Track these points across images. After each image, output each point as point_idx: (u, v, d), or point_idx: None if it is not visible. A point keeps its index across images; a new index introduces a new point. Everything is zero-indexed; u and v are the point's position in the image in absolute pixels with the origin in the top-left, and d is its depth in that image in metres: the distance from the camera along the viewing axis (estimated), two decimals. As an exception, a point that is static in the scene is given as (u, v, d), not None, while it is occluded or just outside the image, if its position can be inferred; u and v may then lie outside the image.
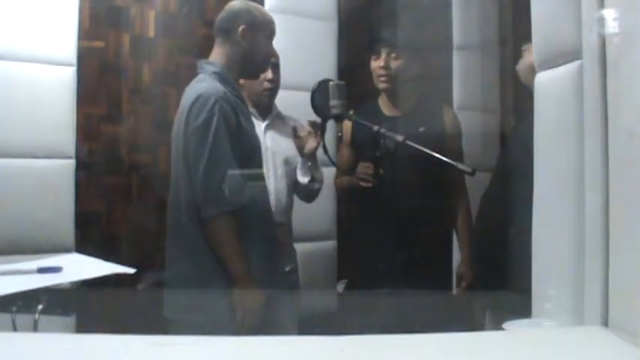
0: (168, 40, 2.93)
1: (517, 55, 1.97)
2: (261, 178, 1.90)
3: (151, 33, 2.92)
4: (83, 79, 2.40)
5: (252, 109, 2.15)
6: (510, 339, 1.03)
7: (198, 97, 1.69)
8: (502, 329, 1.15)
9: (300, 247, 2.29)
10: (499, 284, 1.80)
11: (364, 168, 1.98)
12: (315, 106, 1.94)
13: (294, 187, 2.16)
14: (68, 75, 2.27)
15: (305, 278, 2.27)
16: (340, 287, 2.66)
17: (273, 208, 2.08)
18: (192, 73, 1.86)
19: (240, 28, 1.80)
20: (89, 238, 2.57)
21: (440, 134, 2.13)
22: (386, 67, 2.13)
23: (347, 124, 2.22)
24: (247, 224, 1.72)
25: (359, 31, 2.99)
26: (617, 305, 0.95)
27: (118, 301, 1.85)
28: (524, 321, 1.20)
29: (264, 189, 1.89)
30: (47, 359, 0.84)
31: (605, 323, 0.97)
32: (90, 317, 1.83)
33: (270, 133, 2.17)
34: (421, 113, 2.18)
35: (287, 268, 2.14)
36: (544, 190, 1.22)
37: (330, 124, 2.07)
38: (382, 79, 2.15)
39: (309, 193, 2.16)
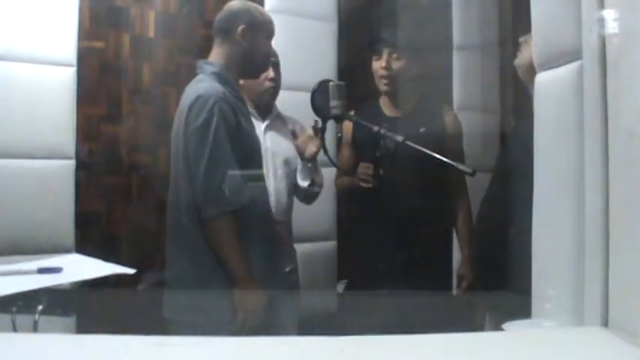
0: (168, 40, 2.93)
1: (515, 48, 1.96)
2: (261, 178, 1.90)
3: (151, 33, 2.92)
4: (83, 79, 2.40)
5: (252, 110, 2.15)
6: (510, 339, 1.03)
7: (197, 98, 1.69)
8: (502, 330, 1.15)
9: (300, 248, 2.28)
10: (499, 285, 1.80)
11: (364, 168, 1.98)
12: (315, 106, 1.94)
13: (294, 188, 2.16)
14: (68, 75, 2.27)
15: (305, 278, 2.27)
16: (340, 287, 2.66)
17: (273, 209, 2.08)
18: (192, 73, 1.86)
19: (240, 28, 1.80)
20: (89, 238, 2.57)
21: (441, 135, 2.13)
22: (387, 67, 2.13)
23: (347, 125, 2.22)
24: (247, 224, 1.72)
25: (359, 32, 2.99)
26: (617, 305, 0.95)
27: (118, 301, 1.85)
28: (524, 321, 1.20)
29: (264, 189, 1.90)
30: (47, 359, 0.84)
31: (605, 323, 0.97)
32: (90, 317, 1.83)
33: (271, 134, 2.17)
34: (422, 114, 2.18)
35: (287, 269, 2.14)
36: (544, 190, 1.22)
37: (330, 125, 2.07)
38: (383, 79, 2.15)
39: (308, 196, 2.17)
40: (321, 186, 2.15)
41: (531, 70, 1.87)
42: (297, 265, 2.21)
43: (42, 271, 1.41)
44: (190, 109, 1.70)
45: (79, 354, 0.85)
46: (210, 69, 1.79)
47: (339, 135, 2.20)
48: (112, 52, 2.84)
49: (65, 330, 1.82)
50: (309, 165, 2.08)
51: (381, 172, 1.91)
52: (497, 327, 1.18)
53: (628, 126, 0.94)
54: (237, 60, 1.82)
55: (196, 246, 1.71)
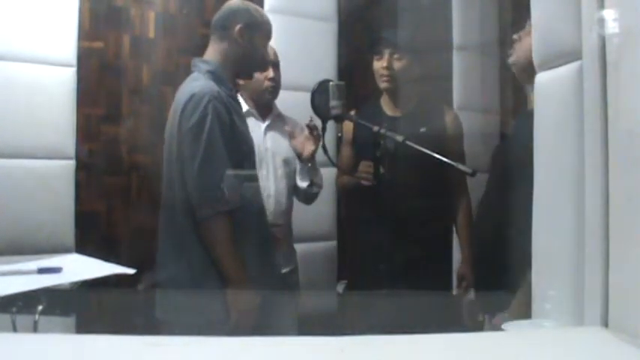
0: (168, 40, 2.93)
1: (509, 46, 1.96)
2: (255, 179, 1.88)
3: (151, 33, 2.92)
4: (83, 79, 2.40)
5: (252, 110, 2.15)
6: (510, 339, 1.03)
7: (192, 96, 1.67)
8: (502, 329, 1.15)
9: (300, 248, 2.28)
10: (498, 284, 1.80)
11: (365, 167, 1.98)
12: (315, 106, 1.94)
13: (293, 188, 2.16)
14: (68, 75, 2.27)
15: (305, 279, 2.27)
16: (340, 288, 2.66)
17: (272, 209, 2.08)
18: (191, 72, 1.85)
19: (238, 27, 1.78)
20: (89, 238, 2.57)
21: (441, 135, 2.13)
22: (389, 67, 2.13)
23: (348, 125, 2.22)
24: (242, 225, 1.70)
25: (359, 32, 3.00)
26: (617, 305, 0.95)
27: (118, 301, 1.85)
28: (524, 321, 1.20)
29: (258, 190, 1.87)
30: (47, 359, 0.84)
31: (605, 323, 0.97)
32: (90, 317, 1.84)
33: (271, 134, 2.17)
34: (423, 114, 2.18)
35: (287, 269, 2.14)
36: (544, 190, 1.21)
37: (331, 125, 2.07)
38: (385, 79, 2.15)
39: (308, 196, 2.16)
40: (320, 186, 2.15)
41: (526, 69, 1.87)
42: (297, 265, 2.21)
43: (42, 271, 1.41)
44: (184, 107, 1.68)
45: (79, 354, 0.85)
46: (205, 67, 1.77)
47: (339, 135, 2.20)
48: (111, 52, 2.84)
49: (65, 330, 1.82)
50: (308, 165, 2.08)
51: (382, 171, 1.91)
52: (497, 327, 1.18)
53: (628, 126, 0.94)
54: (233, 59, 1.80)
55: (190, 246, 1.69)
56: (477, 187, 2.15)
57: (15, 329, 1.31)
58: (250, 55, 1.83)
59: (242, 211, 1.70)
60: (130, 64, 2.87)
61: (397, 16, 2.60)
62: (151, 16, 2.92)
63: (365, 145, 2.01)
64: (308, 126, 2.02)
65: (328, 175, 2.35)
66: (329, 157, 2.06)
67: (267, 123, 2.17)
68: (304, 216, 2.31)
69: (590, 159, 1.02)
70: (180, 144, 1.69)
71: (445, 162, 1.74)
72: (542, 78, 1.24)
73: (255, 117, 2.15)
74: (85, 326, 1.82)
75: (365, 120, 1.97)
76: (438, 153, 1.76)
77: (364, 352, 0.89)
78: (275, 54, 2.13)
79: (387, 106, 2.21)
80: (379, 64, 2.15)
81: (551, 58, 1.20)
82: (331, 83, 1.91)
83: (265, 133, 2.16)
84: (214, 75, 1.75)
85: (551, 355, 0.90)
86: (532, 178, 1.61)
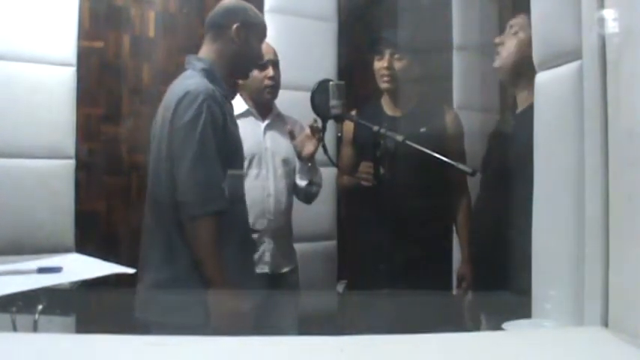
0: (168, 40, 2.93)
1: (492, 50, 1.95)
2: (242, 180, 1.86)
3: (151, 33, 2.92)
4: (83, 79, 2.40)
5: (252, 109, 2.15)
6: (510, 339, 1.03)
7: (186, 94, 1.64)
8: (502, 329, 1.15)
9: (300, 248, 2.28)
10: (497, 284, 1.80)
11: (366, 167, 1.99)
12: (315, 106, 1.94)
13: (293, 188, 2.16)
14: (68, 75, 2.27)
15: (305, 278, 2.27)
16: (340, 287, 2.66)
17: (272, 208, 2.08)
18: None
19: (235, 26, 1.77)
20: (89, 238, 2.57)
21: (442, 134, 2.13)
22: (389, 67, 2.13)
23: (349, 124, 2.22)
24: (226, 226, 1.67)
25: (359, 31, 3.00)
26: (617, 305, 0.95)
27: (118, 301, 1.85)
28: (524, 321, 1.20)
29: (243, 191, 1.83)
30: (47, 359, 0.84)
31: (605, 323, 0.97)
32: (90, 317, 1.83)
33: (270, 133, 2.17)
34: (423, 114, 2.19)
35: (287, 269, 2.14)
36: (544, 190, 1.22)
37: (330, 124, 2.07)
38: (385, 79, 2.15)
39: (307, 196, 2.16)
40: (319, 186, 2.14)
41: (512, 72, 1.88)
42: (297, 265, 2.21)
43: (42, 270, 1.40)
44: (178, 104, 1.64)
45: (79, 354, 0.85)
46: (200, 65, 1.75)
47: (339, 134, 2.20)
48: (111, 51, 2.84)
49: (65, 330, 1.81)
50: (308, 165, 2.08)
51: (382, 171, 1.91)
52: (497, 327, 1.18)
53: (628, 126, 0.94)
54: (228, 58, 1.78)
55: (176, 247, 1.66)
56: (477, 186, 2.15)
57: (15, 329, 1.31)
58: (245, 55, 1.82)
59: (228, 212, 1.67)
60: (130, 64, 2.87)
61: (397, 16, 2.60)
62: (151, 15, 2.92)
63: (365, 145, 2.01)
64: (311, 127, 2.01)
65: (328, 174, 2.35)
66: (329, 157, 2.06)
67: (266, 122, 2.17)
68: (304, 215, 2.31)
69: (590, 159, 1.02)
70: (170, 141, 1.65)
71: (445, 162, 1.74)
72: (542, 78, 1.24)
73: (254, 116, 2.15)
74: (85, 326, 1.82)
75: (365, 120, 1.97)
76: (438, 153, 1.76)
77: (364, 352, 0.89)
78: (274, 53, 2.13)
79: (387, 106, 2.21)
80: (380, 64, 2.16)
81: (551, 58, 1.20)
82: (331, 83, 1.91)
83: (265, 133, 2.16)
84: (209, 73, 1.73)
85: (551, 355, 0.90)
86: (522, 177, 1.62)
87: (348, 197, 2.43)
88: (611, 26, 0.99)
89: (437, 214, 2.13)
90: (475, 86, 2.67)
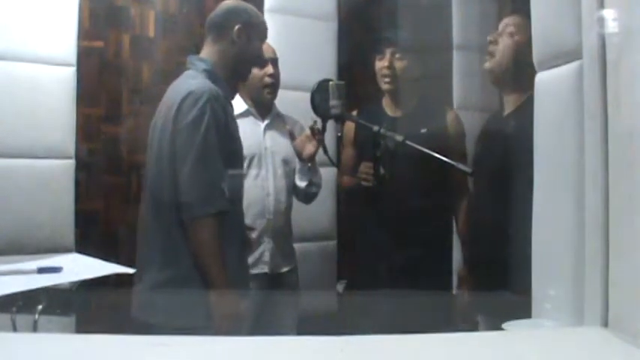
0: (168, 40, 2.93)
1: (484, 51, 1.95)
2: (241, 181, 1.86)
3: (151, 33, 2.92)
4: (83, 79, 2.40)
5: (251, 109, 2.15)
6: (510, 339, 1.04)
7: (189, 94, 1.64)
8: (502, 329, 1.15)
9: (300, 247, 2.28)
10: (493, 283, 1.81)
11: (366, 168, 1.98)
12: (315, 106, 1.94)
13: (293, 188, 2.16)
14: (68, 75, 2.27)
15: (304, 278, 2.27)
16: (340, 287, 2.66)
17: (272, 208, 2.08)
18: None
19: (236, 27, 1.77)
20: (89, 237, 2.57)
21: (443, 135, 2.13)
22: (390, 67, 2.13)
23: (349, 125, 2.22)
24: (226, 227, 1.67)
25: (359, 31, 3.00)
26: (617, 305, 0.95)
27: (118, 301, 1.85)
28: (524, 321, 1.20)
29: (242, 192, 1.83)
30: (47, 359, 0.84)
31: (605, 324, 0.97)
32: (90, 317, 1.84)
33: (270, 133, 2.17)
34: (424, 113, 2.18)
35: (286, 269, 2.14)
36: (544, 190, 1.22)
37: (331, 124, 2.07)
38: (386, 80, 2.15)
39: (307, 196, 2.16)
40: (319, 186, 2.14)
41: (505, 75, 1.87)
42: (297, 265, 2.21)
43: (42, 270, 1.41)
44: (181, 104, 1.64)
45: (79, 354, 0.85)
46: (202, 66, 1.75)
47: (339, 134, 2.19)
48: (111, 51, 2.83)
49: (65, 330, 1.82)
50: (308, 165, 2.07)
51: (382, 171, 1.91)
52: (497, 327, 1.18)
53: (628, 126, 0.94)
54: (229, 59, 1.78)
55: (175, 246, 1.65)
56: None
57: (15, 329, 1.31)
58: (247, 56, 1.82)
59: (228, 213, 1.67)
60: (130, 64, 2.87)
61: (397, 15, 2.60)
62: (151, 15, 2.92)
63: (365, 146, 2.01)
64: (311, 128, 2.01)
65: (328, 174, 2.35)
66: (329, 157, 2.06)
67: (266, 122, 2.17)
68: (304, 215, 2.31)
69: (590, 159, 1.02)
70: (173, 141, 1.65)
71: (445, 161, 1.74)
72: (542, 77, 1.24)
73: (254, 116, 2.15)
74: (84, 326, 1.82)
75: (366, 121, 1.97)
76: (439, 153, 1.76)
77: (364, 351, 0.89)
78: (273, 51, 2.13)
79: (388, 107, 2.21)
80: (381, 64, 2.15)
81: (551, 58, 1.20)
82: (331, 83, 1.91)
83: (265, 133, 2.15)
84: (211, 74, 1.73)
85: (551, 355, 0.90)
86: (512, 179, 1.63)
87: (348, 197, 2.43)
88: (611, 26, 0.99)
89: (437, 214, 2.12)
90: (475, 86, 2.67)
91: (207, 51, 1.80)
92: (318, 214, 2.51)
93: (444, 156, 1.75)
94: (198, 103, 1.63)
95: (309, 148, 2.02)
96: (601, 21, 1.00)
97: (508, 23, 1.85)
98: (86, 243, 2.43)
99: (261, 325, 1.79)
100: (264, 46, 1.95)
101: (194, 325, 1.57)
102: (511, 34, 1.83)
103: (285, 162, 2.14)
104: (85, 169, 2.56)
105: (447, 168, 1.79)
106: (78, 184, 2.34)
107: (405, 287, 1.88)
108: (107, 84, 2.81)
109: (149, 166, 1.76)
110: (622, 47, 0.96)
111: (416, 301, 1.78)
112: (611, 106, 0.98)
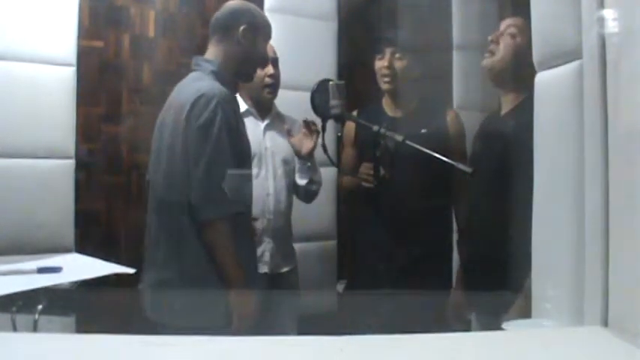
0: (168, 39, 2.93)
1: (484, 49, 1.95)
2: (251, 181, 1.88)
3: (151, 32, 2.92)
4: (83, 78, 2.40)
5: (251, 109, 2.15)
6: (510, 339, 1.03)
7: (201, 96, 1.66)
8: (502, 329, 1.15)
9: (300, 247, 2.28)
10: (483, 283, 1.81)
11: (366, 168, 1.98)
12: (315, 106, 1.94)
13: (293, 187, 2.16)
14: (68, 75, 2.27)
15: (305, 278, 2.27)
16: (340, 287, 2.65)
17: (272, 208, 2.08)
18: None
19: (242, 28, 1.78)
20: (89, 238, 2.57)
21: (443, 135, 2.13)
22: (390, 67, 2.13)
23: (350, 125, 2.22)
24: (238, 227, 1.70)
25: (359, 31, 3.00)
26: (617, 305, 0.95)
27: (118, 301, 1.85)
28: (524, 321, 1.20)
29: (251, 192, 1.85)
30: (47, 359, 0.84)
31: (605, 323, 0.97)
32: (90, 317, 1.84)
33: (270, 133, 2.17)
34: (424, 114, 2.18)
35: (286, 269, 2.14)
36: (544, 190, 1.22)
37: (331, 124, 2.07)
38: (386, 79, 2.15)
39: (307, 195, 2.16)
40: (319, 184, 2.15)
41: (504, 74, 1.87)
42: (297, 265, 2.21)
43: (42, 270, 1.41)
44: (193, 106, 1.65)
45: (79, 354, 0.85)
46: (209, 67, 1.76)
47: (339, 134, 2.19)
48: (111, 51, 2.84)
49: (65, 330, 1.82)
50: (308, 164, 2.08)
51: (382, 171, 1.91)
52: (497, 326, 1.18)
53: (628, 126, 0.94)
54: (234, 60, 1.79)
55: (189, 247, 1.67)
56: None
57: (15, 329, 1.31)
58: (251, 56, 1.82)
59: (240, 213, 1.70)
60: (129, 63, 2.87)
61: (397, 15, 2.60)
62: (151, 15, 2.92)
63: (366, 145, 2.01)
64: (305, 122, 2.01)
65: (328, 174, 2.35)
66: (329, 157, 2.05)
67: (266, 122, 2.17)
68: (304, 215, 2.31)
69: (590, 159, 1.02)
70: (184, 143, 1.66)
71: (445, 161, 1.74)
72: (542, 77, 1.24)
73: (254, 116, 2.15)
74: (84, 326, 1.82)
75: (366, 121, 1.97)
76: (439, 152, 1.76)
77: (364, 351, 0.89)
78: (274, 51, 2.13)
79: (388, 107, 2.21)
80: (381, 64, 2.15)
81: (551, 58, 1.20)
82: (331, 83, 1.91)
83: (264, 133, 2.15)
84: (218, 75, 1.74)
85: (551, 355, 0.90)
86: (509, 179, 1.63)
87: (348, 197, 2.43)
88: (611, 26, 0.99)
89: (437, 214, 2.12)
90: (475, 86, 2.67)
91: (213, 52, 1.81)
92: (318, 214, 2.51)
93: (444, 156, 1.75)
94: (210, 105, 1.64)
95: (308, 145, 2.03)
96: (601, 21, 1.00)
97: (510, 24, 1.86)
98: (86, 243, 2.43)
99: (261, 324, 1.79)
100: (265, 46, 1.96)
101: (208, 325, 1.59)
102: (513, 35, 1.84)
103: (285, 162, 2.15)
104: (85, 169, 2.56)
105: (447, 168, 1.79)
106: (78, 184, 2.34)
107: (405, 287, 1.89)
108: (107, 84, 2.81)
109: (156, 167, 1.77)
110: (622, 47, 0.96)
111: (416, 301, 1.78)
112: (611, 106, 0.98)
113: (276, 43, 2.15)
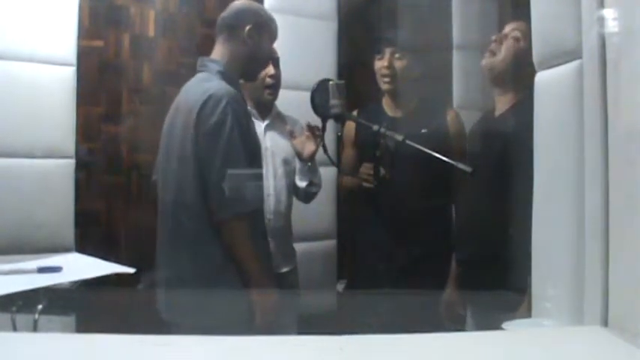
0: (168, 39, 2.93)
1: (485, 49, 1.95)
2: (260, 178, 1.89)
3: (151, 32, 2.92)
4: (83, 78, 2.40)
5: (252, 109, 2.15)
6: (510, 339, 1.03)
7: (210, 97, 1.66)
8: (502, 329, 1.15)
9: (300, 247, 2.28)
10: (478, 283, 1.81)
11: (367, 169, 1.98)
12: (315, 105, 1.94)
13: (293, 187, 2.16)
14: (68, 74, 2.27)
15: (305, 278, 2.27)
16: (340, 287, 2.66)
17: (272, 208, 2.08)
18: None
19: (247, 28, 1.78)
20: (89, 237, 2.57)
21: (443, 134, 2.13)
22: (390, 66, 2.13)
23: (350, 124, 2.22)
24: (254, 225, 1.72)
25: (359, 31, 3.00)
26: (617, 305, 0.95)
27: (118, 301, 1.85)
28: (524, 321, 1.20)
29: (262, 190, 1.88)
30: (47, 359, 0.84)
31: (605, 323, 0.97)
32: (90, 317, 1.83)
33: (270, 133, 2.17)
34: (424, 113, 2.18)
35: (286, 268, 2.14)
36: (544, 190, 1.21)
37: (331, 124, 2.07)
38: (386, 79, 2.15)
39: (307, 196, 2.17)
40: (319, 186, 2.15)
41: (503, 74, 1.88)
42: (297, 265, 2.21)
43: (42, 270, 1.41)
44: (203, 107, 1.66)
45: (79, 354, 0.85)
46: (215, 67, 1.76)
47: (339, 134, 2.19)
48: (111, 51, 2.84)
49: (65, 330, 1.82)
50: (308, 165, 2.08)
51: (382, 171, 1.91)
52: (497, 326, 1.18)
53: (628, 126, 0.94)
54: (240, 59, 1.79)
55: (203, 248, 1.68)
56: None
57: (15, 328, 1.31)
58: (257, 56, 1.83)
59: (256, 210, 1.72)
60: (130, 63, 2.87)
61: (397, 15, 2.60)
62: (151, 14, 2.92)
63: (366, 145, 2.01)
64: (309, 125, 2.02)
65: (328, 174, 2.35)
66: (329, 157, 2.06)
67: (266, 122, 2.17)
68: (304, 215, 2.31)
69: (590, 159, 1.02)
70: (196, 145, 1.67)
71: (445, 161, 1.74)
72: (542, 77, 1.24)
73: (254, 116, 2.15)
74: (84, 326, 1.82)
75: (366, 120, 1.97)
76: (440, 152, 1.76)
77: (364, 351, 0.89)
78: (274, 51, 2.13)
79: (388, 107, 2.21)
80: (380, 64, 2.15)
81: (551, 58, 1.20)
82: (331, 82, 1.91)
83: (265, 133, 2.16)
84: (225, 75, 1.75)
85: (551, 355, 0.90)
86: (504, 179, 1.63)
87: (348, 197, 2.43)
88: (611, 26, 0.99)
89: (437, 214, 2.12)
90: (475, 86, 2.67)
91: (219, 51, 1.81)
92: (318, 214, 2.51)
93: (444, 156, 1.75)
94: (220, 106, 1.65)
95: (309, 148, 2.03)
96: (601, 21, 1.00)
97: (515, 28, 1.86)
98: (86, 243, 2.43)
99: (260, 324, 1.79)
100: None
101: (227, 324, 1.59)
102: (517, 39, 1.84)
103: (286, 162, 2.15)
104: (85, 168, 2.56)
105: (447, 168, 1.79)
106: (78, 183, 2.34)
107: (405, 287, 1.89)
108: (107, 84, 2.81)
109: (166, 169, 1.78)
110: (622, 47, 0.96)
111: (416, 301, 1.78)
112: (611, 106, 0.98)
113: (277, 43, 2.15)
